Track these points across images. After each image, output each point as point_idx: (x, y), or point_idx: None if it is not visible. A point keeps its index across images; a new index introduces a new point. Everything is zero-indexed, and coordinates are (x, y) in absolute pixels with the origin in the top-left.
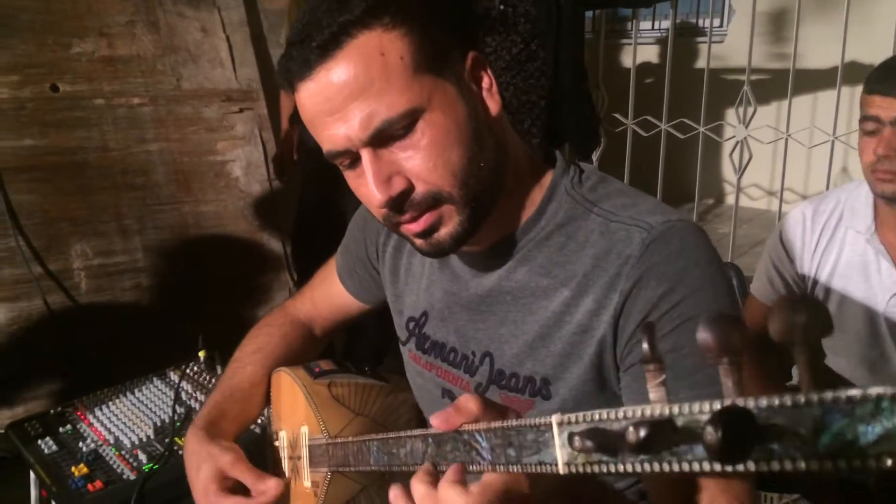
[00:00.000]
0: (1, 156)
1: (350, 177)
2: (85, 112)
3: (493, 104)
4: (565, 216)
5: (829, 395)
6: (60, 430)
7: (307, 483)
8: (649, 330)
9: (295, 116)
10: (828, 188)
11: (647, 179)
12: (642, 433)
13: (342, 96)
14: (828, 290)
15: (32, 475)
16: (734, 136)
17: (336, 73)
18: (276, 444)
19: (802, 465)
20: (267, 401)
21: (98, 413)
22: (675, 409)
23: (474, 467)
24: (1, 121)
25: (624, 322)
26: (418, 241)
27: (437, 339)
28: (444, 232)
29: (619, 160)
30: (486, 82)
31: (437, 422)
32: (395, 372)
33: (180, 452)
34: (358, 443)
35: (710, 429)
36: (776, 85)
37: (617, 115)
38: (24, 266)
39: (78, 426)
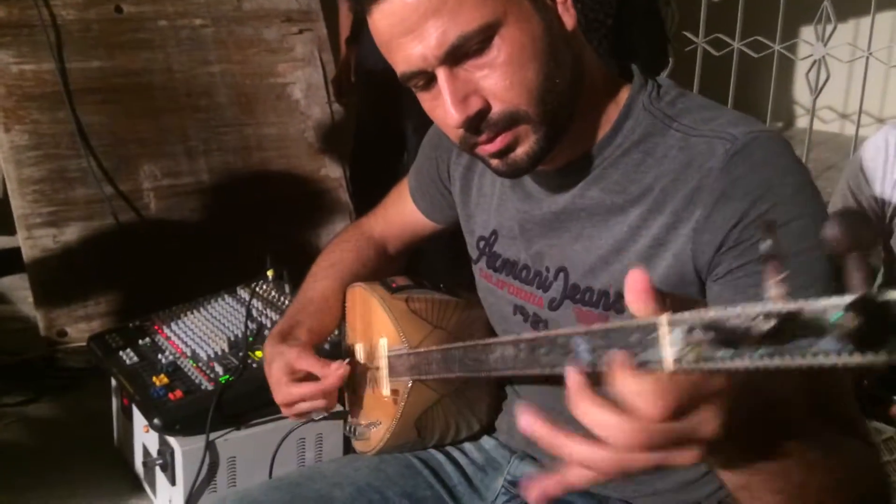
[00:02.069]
0: (70, 77)
1: (425, 99)
2: (149, 33)
3: (569, 18)
4: (643, 133)
5: None
6: (139, 342)
7: (386, 392)
8: (769, 227)
9: (352, 38)
10: None
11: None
12: (772, 323)
13: (417, 14)
14: None
15: (114, 384)
16: (811, 55)
17: None
18: (353, 356)
19: None
20: (342, 315)
21: (174, 327)
22: (801, 304)
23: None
24: (69, 42)
25: (707, 235)
26: (494, 162)
27: (509, 258)
28: (520, 151)
29: (687, 81)
30: None
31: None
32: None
33: (254, 365)
34: (443, 351)
35: (849, 314)
36: (856, 1)
37: (687, 34)
38: (96, 186)
39: (156, 339)
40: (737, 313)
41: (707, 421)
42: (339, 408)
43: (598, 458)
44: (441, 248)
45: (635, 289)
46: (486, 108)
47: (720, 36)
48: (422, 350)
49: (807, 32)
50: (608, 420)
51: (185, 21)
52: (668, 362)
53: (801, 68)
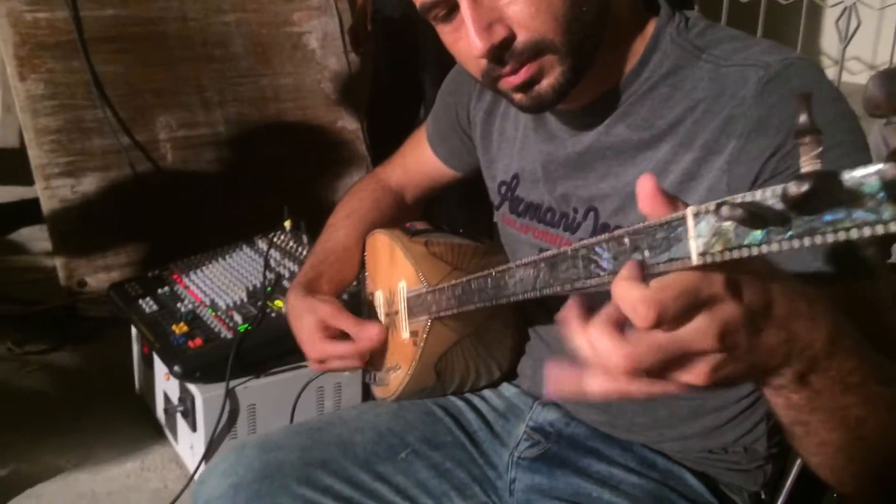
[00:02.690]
0: (85, 26)
1: (445, 32)
2: None
3: None
4: (671, 65)
5: None
6: (159, 291)
7: (405, 335)
8: (805, 100)
9: None
10: None
11: None
12: (805, 186)
13: None
14: None
15: (134, 332)
16: (841, 2)
17: None
18: (374, 304)
19: None
20: (361, 264)
21: (193, 276)
22: (835, 169)
23: (592, 281)
24: None
25: (741, 167)
26: (518, 96)
27: (532, 201)
28: (545, 84)
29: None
30: None
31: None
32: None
33: (272, 315)
34: (462, 283)
35: (890, 165)
36: None
37: None
38: (112, 137)
39: (175, 288)
40: (765, 192)
41: (701, 331)
42: None
43: (608, 350)
44: (459, 197)
45: (645, 192)
46: (511, 37)
47: None
48: (440, 287)
49: None
50: (602, 340)
51: None
52: (694, 255)
53: (830, 16)
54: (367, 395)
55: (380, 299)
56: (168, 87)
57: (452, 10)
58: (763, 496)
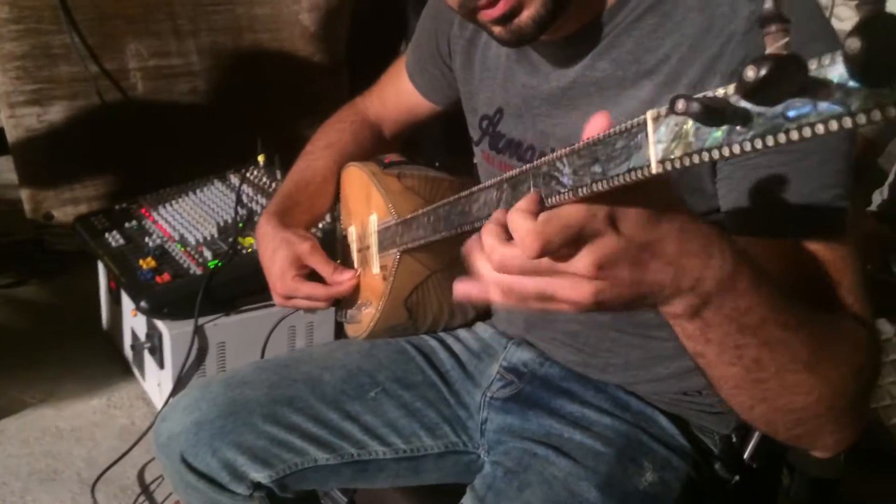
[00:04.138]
0: None
1: None
2: None
3: None
4: None
5: None
6: (126, 225)
7: (376, 270)
8: None
9: None
10: None
11: None
12: (764, 69)
13: None
14: None
15: (101, 267)
16: None
17: None
18: (346, 239)
19: None
20: (336, 195)
21: (162, 211)
22: (795, 52)
23: (554, 199)
24: None
25: None
26: (497, 29)
27: (513, 137)
28: (525, 16)
29: None
30: None
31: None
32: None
33: (244, 252)
34: (428, 212)
35: (853, 38)
36: None
37: None
38: (80, 64)
39: (143, 222)
40: (726, 88)
41: (581, 260)
42: None
43: (489, 274)
44: (438, 133)
45: (596, 127)
46: None
47: None
48: (408, 217)
49: None
50: (490, 244)
51: None
52: (654, 162)
53: None
54: (339, 333)
55: (353, 234)
56: (139, 13)
57: None
58: (734, 439)
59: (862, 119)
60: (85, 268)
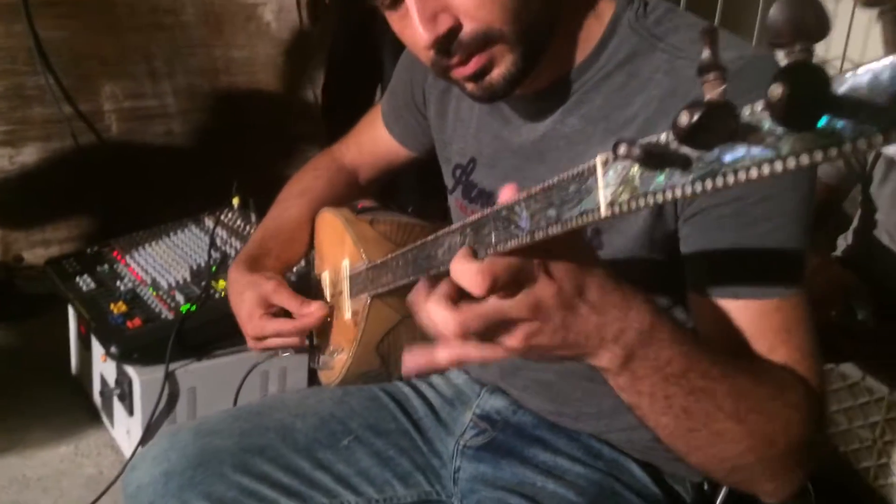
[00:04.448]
0: None
1: (394, 20)
2: None
3: None
4: (628, 53)
5: None
6: (98, 268)
7: (348, 315)
8: (709, 36)
9: None
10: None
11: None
12: (696, 114)
13: None
14: (892, 163)
15: (71, 311)
16: None
17: None
18: (321, 284)
19: (879, 139)
20: (311, 243)
21: (135, 254)
22: (728, 97)
23: (512, 243)
24: None
25: None
26: (469, 86)
27: (485, 187)
28: (496, 74)
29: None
30: None
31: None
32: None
33: (217, 296)
34: (396, 257)
35: (777, 84)
36: None
37: None
38: (54, 105)
39: (115, 266)
40: (666, 133)
41: (518, 302)
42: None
43: (437, 316)
44: (413, 179)
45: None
46: (457, 27)
47: None
48: (378, 262)
49: None
50: (438, 311)
51: None
52: (603, 206)
53: None
54: (312, 380)
55: (326, 280)
56: (115, 55)
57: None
58: (706, 486)
59: (791, 163)
60: (55, 311)
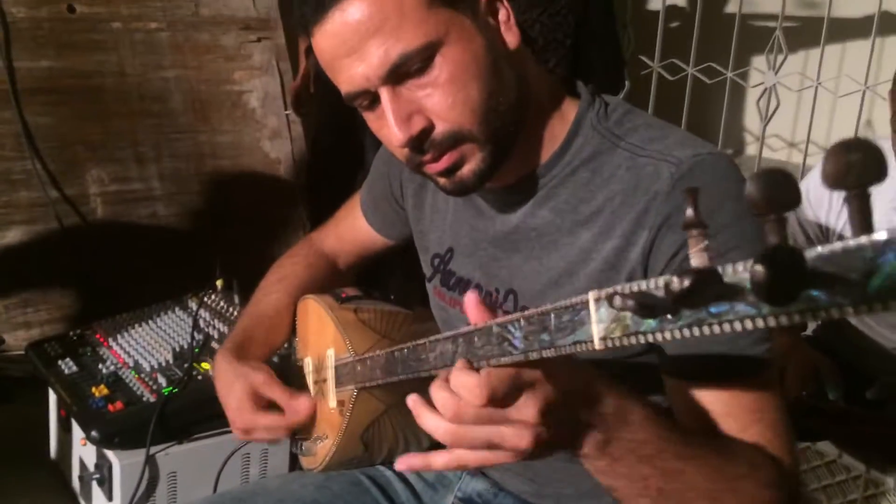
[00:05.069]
0: (18, 76)
1: (370, 119)
2: (102, 35)
3: (512, 37)
4: (591, 151)
5: (881, 237)
6: (80, 351)
7: (332, 404)
8: (692, 193)
9: (312, 48)
10: None
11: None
12: (686, 281)
13: (358, 35)
14: None
15: (52, 395)
16: (762, 83)
17: (350, 13)
18: (303, 370)
19: (850, 310)
20: (292, 328)
21: (117, 337)
22: (720, 268)
23: (505, 359)
24: (18, 41)
25: (654, 259)
26: (442, 181)
27: (462, 276)
28: (466, 170)
29: (643, 105)
30: (503, 15)
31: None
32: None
33: (199, 377)
34: (386, 354)
35: (758, 266)
36: (805, 33)
37: (643, 58)
38: (41, 189)
39: (97, 349)
40: (656, 282)
41: (525, 406)
42: None
43: (440, 427)
44: (393, 264)
45: (470, 305)
46: (430, 127)
47: (675, 61)
48: (366, 356)
49: (758, 61)
50: (444, 397)
51: (140, 24)
52: (596, 340)
53: (752, 96)
54: (294, 463)
55: (309, 366)
56: (101, 140)
57: (374, 100)
58: None
59: (772, 321)
60: (35, 394)
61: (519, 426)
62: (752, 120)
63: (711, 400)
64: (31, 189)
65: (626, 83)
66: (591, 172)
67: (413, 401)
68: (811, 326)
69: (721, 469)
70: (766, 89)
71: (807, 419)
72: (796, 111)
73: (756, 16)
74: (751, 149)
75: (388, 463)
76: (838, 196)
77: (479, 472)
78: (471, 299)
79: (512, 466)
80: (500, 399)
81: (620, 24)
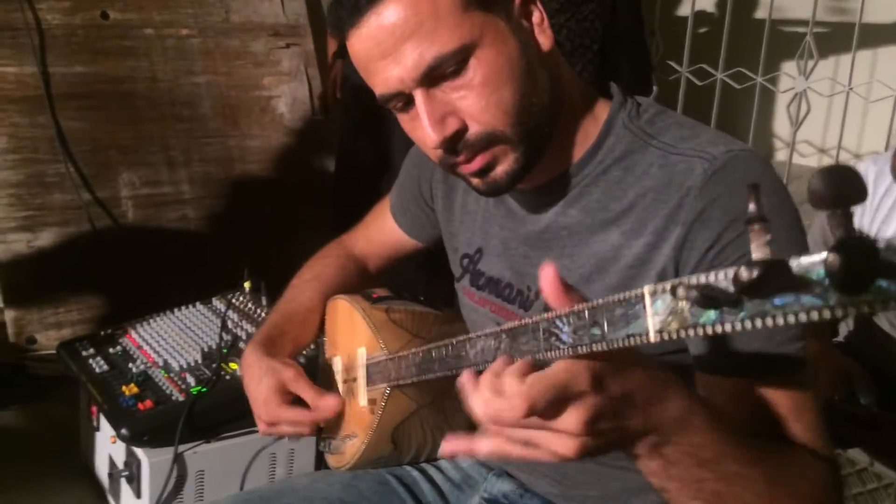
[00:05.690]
0: (52, 82)
1: (404, 120)
2: (134, 41)
3: (545, 39)
4: (623, 150)
5: None
6: (110, 350)
7: (363, 402)
8: (755, 189)
9: (340, 53)
10: (886, 149)
11: None
12: (756, 271)
13: (393, 38)
14: None
15: (82, 393)
16: (792, 88)
17: (386, 16)
18: (331, 369)
19: None
20: (321, 328)
21: (147, 336)
22: (785, 257)
23: (552, 354)
24: (52, 47)
25: (686, 255)
26: (475, 181)
27: (492, 276)
28: (500, 170)
29: (671, 109)
30: (536, 17)
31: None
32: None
33: (227, 378)
34: (424, 351)
35: (833, 254)
36: (836, 38)
37: (671, 63)
38: (74, 192)
39: (127, 348)
40: (720, 275)
41: (571, 419)
42: None
43: (490, 412)
44: (420, 265)
45: (547, 280)
46: (464, 129)
47: (704, 66)
48: (401, 354)
49: (788, 66)
50: (486, 399)
51: (172, 30)
52: (652, 333)
53: (781, 101)
54: (320, 462)
55: (338, 365)
56: (133, 144)
57: (409, 102)
58: None
59: (839, 312)
60: (65, 393)
61: (562, 435)
62: (781, 125)
63: (748, 399)
64: (64, 192)
65: (655, 88)
66: (623, 171)
67: (467, 378)
68: (843, 332)
69: (779, 471)
70: (796, 94)
71: (838, 425)
72: (827, 117)
73: (786, 21)
74: (780, 154)
75: (415, 463)
76: (870, 202)
77: (505, 472)
78: (549, 274)
79: (539, 467)
80: (541, 411)
81: (649, 29)
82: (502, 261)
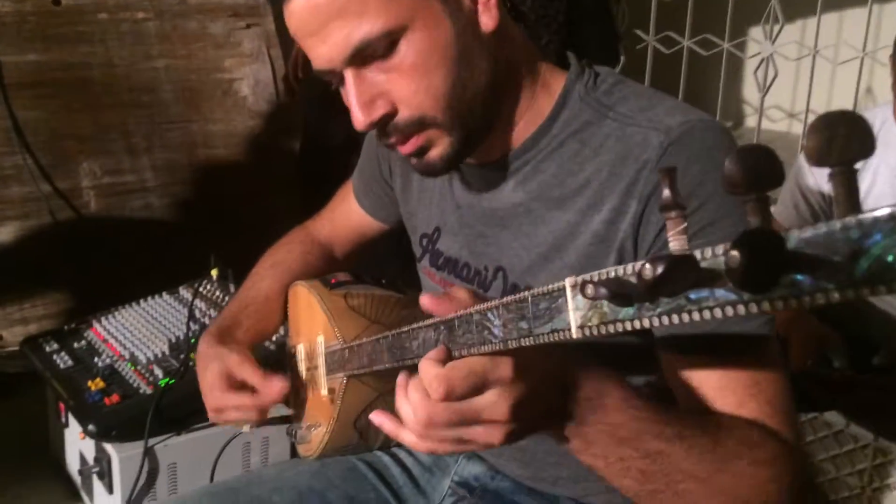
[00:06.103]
0: (5, 71)
1: (343, 97)
2: (88, 26)
3: (489, 19)
4: (579, 123)
5: (869, 215)
6: (75, 345)
7: (324, 392)
8: (669, 174)
9: None
10: (853, 110)
11: None
12: (659, 269)
13: (320, 17)
14: None
15: (49, 390)
16: (759, 53)
17: None
18: (295, 357)
19: (836, 295)
20: (284, 315)
21: (112, 329)
22: (698, 252)
23: (486, 347)
24: (3, 35)
25: (644, 229)
26: (412, 161)
27: (451, 255)
28: (434, 154)
29: (639, 79)
30: None
31: (428, 303)
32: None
33: (195, 367)
34: (372, 342)
35: (734, 252)
36: (801, 2)
37: (638, 31)
38: (32, 184)
39: (92, 342)
40: (626, 270)
41: (493, 405)
42: (284, 412)
43: (410, 421)
44: (390, 249)
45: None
46: (393, 112)
47: (670, 34)
48: (354, 344)
49: (755, 32)
50: (413, 396)
51: (127, 14)
52: (574, 328)
53: (749, 67)
54: (295, 451)
55: (301, 353)
56: (92, 133)
57: (343, 80)
58: None
59: (754, 308)
60: (34, 390)
61: (489, 425)
62: (750, 91)
63: (706, 375)
64: (22, 184)
65: (622, 58)
66: (580, 144)
67: (398, 384)
68: None
69: (710, 449)
70: (763, 59)
71: (813, 389)
72: (795, 81)
73: None
74: (750, 120)
75: (386, 448)
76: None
77: (476, 455)
78: (425, 299)
79: (504, 451)
80: (459, 396)
81: None
82: (459, 240)
